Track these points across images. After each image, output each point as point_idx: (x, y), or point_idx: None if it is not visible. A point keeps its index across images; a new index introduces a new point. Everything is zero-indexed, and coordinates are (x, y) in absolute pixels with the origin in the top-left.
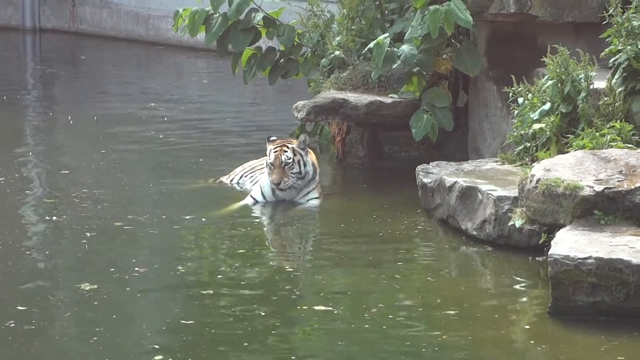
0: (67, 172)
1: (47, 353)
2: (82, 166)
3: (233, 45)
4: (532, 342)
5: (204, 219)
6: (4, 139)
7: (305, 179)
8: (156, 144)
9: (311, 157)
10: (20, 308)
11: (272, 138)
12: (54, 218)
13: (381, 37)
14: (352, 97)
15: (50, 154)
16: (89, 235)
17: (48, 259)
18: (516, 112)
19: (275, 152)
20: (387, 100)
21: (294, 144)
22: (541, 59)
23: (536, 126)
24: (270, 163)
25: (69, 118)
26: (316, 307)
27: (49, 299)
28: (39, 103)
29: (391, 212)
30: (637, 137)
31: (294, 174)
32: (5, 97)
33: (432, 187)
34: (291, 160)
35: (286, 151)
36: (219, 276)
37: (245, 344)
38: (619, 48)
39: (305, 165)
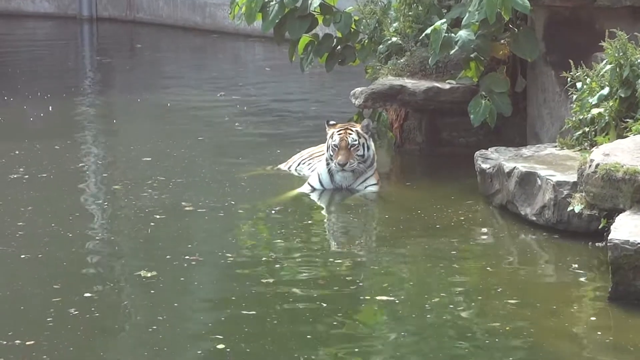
0: (149, 159)
1: (107, 342)
2: (156, 153)
3: (290, 33)
4: (599, 333)
5: (261, 207)
6: (75, 127)
7: (366, 163)
8: (221, 131)
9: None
10: (86, 295)
11: (331, 122)
12: (122, 204)
13: (438, 22)
14: (409, 83)
15: (121, 141)
16: (156, 218)
17: (111, 245)
18: (575, 97)
19: (339, 134)
20: (445, 86)
21: (358, 127)
22: (599, 44)
23: (595, 111)
24: (335, 145)
25: (138, 101)
26: (378, 297)
27: (109, 286)
28: (100, 91)
29: (450, 199)
30: None
31: (358, 156)
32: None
33: (491, 173)
34: (357, 142)
35: (351, 133)
36: (277, 265)
37: (309, 336)
38: None
39: (368, 149)
